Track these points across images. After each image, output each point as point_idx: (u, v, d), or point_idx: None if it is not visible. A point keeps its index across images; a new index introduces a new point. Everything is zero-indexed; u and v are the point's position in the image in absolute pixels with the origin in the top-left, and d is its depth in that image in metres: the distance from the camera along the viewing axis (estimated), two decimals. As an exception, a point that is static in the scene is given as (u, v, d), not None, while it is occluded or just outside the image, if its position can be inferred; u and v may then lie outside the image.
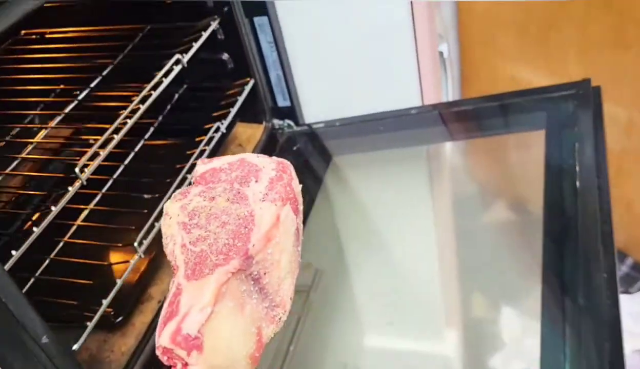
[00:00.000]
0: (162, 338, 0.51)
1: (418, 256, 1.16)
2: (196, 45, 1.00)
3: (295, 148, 1.20)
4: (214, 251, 0.52)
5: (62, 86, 1.18)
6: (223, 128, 1.08)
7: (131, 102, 0.90)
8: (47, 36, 1.21)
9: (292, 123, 1.25)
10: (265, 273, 0.55)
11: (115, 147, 0.85)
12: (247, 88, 1.15)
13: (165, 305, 0.53)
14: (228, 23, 1.10)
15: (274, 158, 0.61)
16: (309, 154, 1.20)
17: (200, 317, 0.50)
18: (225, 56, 1.15)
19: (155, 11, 1.14)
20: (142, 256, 0.84)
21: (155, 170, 1.06)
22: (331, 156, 1.21)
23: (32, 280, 0.85)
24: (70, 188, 0.76)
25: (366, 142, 1.18)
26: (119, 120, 0.87)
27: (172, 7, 1.12)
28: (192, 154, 1.03)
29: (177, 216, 0.55)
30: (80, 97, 1.00)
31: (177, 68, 0.96)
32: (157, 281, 0.95)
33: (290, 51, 1.18)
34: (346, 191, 1.24)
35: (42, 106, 1.15)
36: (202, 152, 1.05)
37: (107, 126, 0.86)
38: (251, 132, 1.22)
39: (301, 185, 0.60)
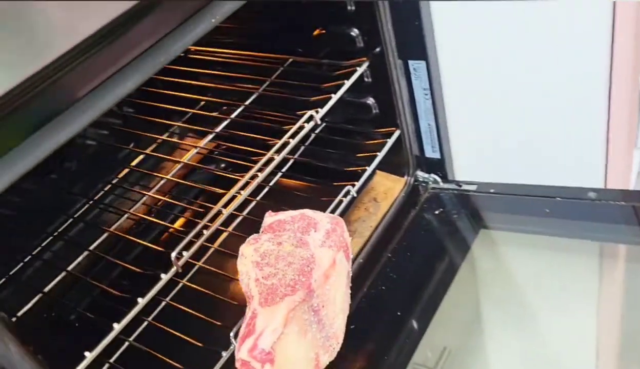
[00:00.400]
0: (241, 352, 0.63)
1: (570, 350, 0.95)
2: (333, 100, 0.88)
3: (438, 211, 1.03)
4: (283, 284, 0.64)
5: (202, 104, 1.13)
6: (355, 189, 0.94)
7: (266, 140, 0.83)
8: (190, 54, 1.16)
9: (438, 178, 1.08)
10: (323, 306, 0.68)
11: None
12: (391, 141, 1.01)
13: (243, 327, 0.65)
14: (378, 65, 0.95)
15: (329, 214, 0.77)
16: (454, 218, 1.03)
17: (273, 336, 0.62)
18: (370, 101, 1.01)
19: (301, 42, 1.03)
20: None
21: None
22: (480, 226, 1.02)
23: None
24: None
25: (525, 221, 0.97)
26: (259, 164, 0.82)
27: (319, 41, 1.00)
28: (328, 201, 0.92)
29: (251, 256, 0.67)
30: (231, 117, 0.98)
31: (308, 126, 0.84)
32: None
33: (448, 99, 1.00)
34: (494, 268, 1.05)
35: (180, 120, 1.12)
36: (337, 204, 0.93)
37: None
38: (390, 185, 1.07)
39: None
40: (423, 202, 1.06)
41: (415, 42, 0.94)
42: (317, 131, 1.09)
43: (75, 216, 1.01)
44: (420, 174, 1.08)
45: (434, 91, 0.99)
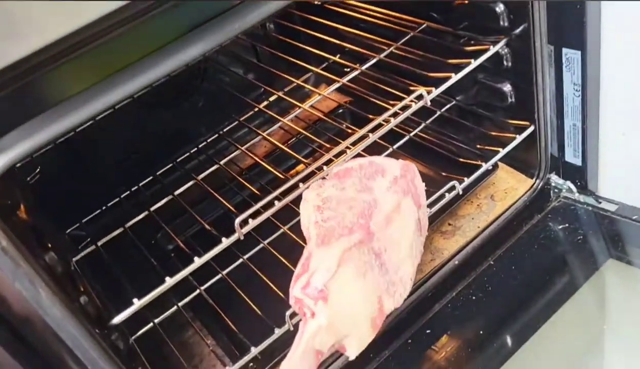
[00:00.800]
0: (295, 290, 0.61)
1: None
2: (452, 80, 0.77)
3: (564, 226, 0.89)
4: (341, 226, 0.64)
5: (337, 57, 1.08)
6: (462, 186, 0.84)
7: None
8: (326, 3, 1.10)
9: (573, 187, 0.93)
10: (385, 250, 0.66)
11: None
12: (521, 137, 0.87)
13: (298, 267, 0.62)
14: (521, 48, 0.81)
15: (401, 160, 0.74)
16: (581, 238, 0.88)
17: (326, 274, 0.60)
18: (507, 87, 0.87)
19: (440, 10, 0.91)
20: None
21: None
22: (610, 255, 0.86)
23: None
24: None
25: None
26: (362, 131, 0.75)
27: (459, 11, 0.88)
28: (429, 192, 0.84)
29: (313, 200, 0.66)
30: (357, 72, 0.93)
31: (415, 106, 0.75)
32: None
33: (605, 100, 0.84)
34: (618, 301, 0.89)
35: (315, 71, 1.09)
36: (438, 198, 0.84)
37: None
38: (514, 184, 0.95)
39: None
40: (549, 211, 0.92)
41: (572, 28, 0.78)
42: (444, 109, 0.99)
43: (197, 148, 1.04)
44: (554, 178, 0.94)
45: (586, 88, 0.83)
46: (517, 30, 0.80)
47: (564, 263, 0.88)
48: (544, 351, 0.83)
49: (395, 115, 0.75)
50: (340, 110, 1.13)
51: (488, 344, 0.81)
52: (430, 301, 0.85)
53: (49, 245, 0.62)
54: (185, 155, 1.04)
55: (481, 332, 0.81)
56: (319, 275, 0.60)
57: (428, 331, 0.83)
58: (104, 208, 0.96)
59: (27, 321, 0.51)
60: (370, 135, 0.74)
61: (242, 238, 0.66)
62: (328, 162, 0.73)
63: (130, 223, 0.85)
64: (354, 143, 0.74)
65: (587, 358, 0.83)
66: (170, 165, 1.03)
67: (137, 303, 0.62)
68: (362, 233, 0.64)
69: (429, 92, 0.75)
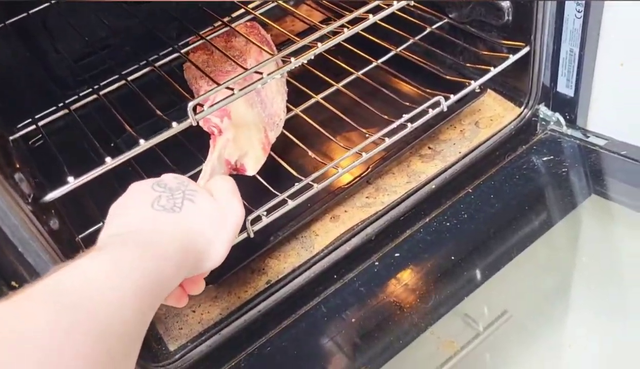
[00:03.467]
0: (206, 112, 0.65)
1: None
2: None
3: (548, 158, 0.85)
4: (223, 71, 0.79)
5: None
6: (447, 103, 0.79)
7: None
8: None
9: (562, 119, 0.88)
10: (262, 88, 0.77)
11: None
12: (514, 58, 0.82)
13: (199, 97, 0.65)
14: (526, -41, 0.75)
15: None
16: (565, 171, 0.84)
17: (227, 92, 0.64)
18: (505, 3, 0.81)
19: None
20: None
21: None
22: (594, 191, 0.83)
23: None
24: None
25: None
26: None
27: None
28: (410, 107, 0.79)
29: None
30: None
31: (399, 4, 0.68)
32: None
33: (607, 26, 0.78)
34: (595, 239, 0.86)
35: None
36: (420, 113, 0.78)
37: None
38: (500, 111, 0.90)
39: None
40: (534, 143, 0.88)
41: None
42: (434, 26, 0.92)
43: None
44: (543, 109, 0.89)
45: (589, 10, 0.77)
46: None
47: (544, 197, 0.84)
48: (511, 285, 0.80)
49: (376, 10, 0.67)
50: None
51: (457, 272, 0.78)
52: (401, 225, 0.81)
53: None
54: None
55: (452, 257, 0.77)
56: (220, 94, 0.65)
57: (397, 255, 0.79)
58: (60, 105, 0.88)
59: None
60: (346, 29, 0.66)
61: (194, 123, 0.60)
62: (322, 39, 0.66)
63: (76, 105, 0.77)
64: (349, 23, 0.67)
65: (553, 296, 0.80)
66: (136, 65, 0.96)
67: (73, 182, 0.57)
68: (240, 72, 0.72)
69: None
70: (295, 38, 0.67)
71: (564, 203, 0.82)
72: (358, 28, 0.67)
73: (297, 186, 0.71)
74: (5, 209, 0.47)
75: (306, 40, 0.65)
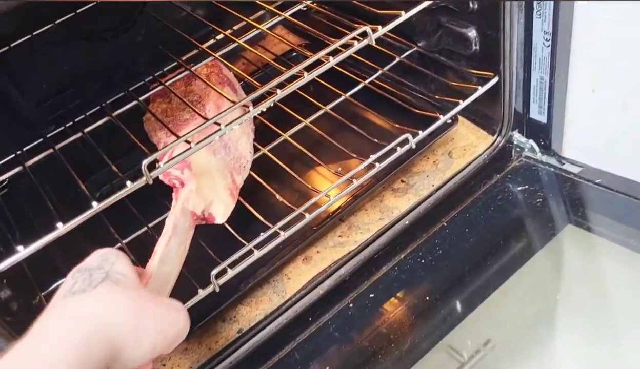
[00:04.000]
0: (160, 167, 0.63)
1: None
2: (399, 20, 0.68)
3: (523, 187, 0.83)
4: (181, 120, 0.76)
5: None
6: (415, 140, 0.77)
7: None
8: None
9: (536, 146, 0.86)
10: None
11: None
12: (483, 89, 0.80)
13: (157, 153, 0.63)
14: (489, -11, 0.73)
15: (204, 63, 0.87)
16: (540, 200, 0.83)
17: (185, 146, 0.62)
18: (472, 33, 0.79)
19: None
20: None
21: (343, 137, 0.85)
22: (569, 220, 0.81)
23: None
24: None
25: (631, 233, 0.75)
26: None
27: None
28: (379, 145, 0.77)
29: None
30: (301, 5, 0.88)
31: (359, 45, 0.66)
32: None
33: (576, 51, 0.77)
34: (574, 268, 0.84)
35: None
36: (389, 151, 0.76)
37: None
38: (474, 140, 0.88)
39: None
40: (509, 171, 0.86)
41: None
42: (403, 56, 0.91)
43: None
44: (517, 136, 0.87)
45: (557, 37, 0.75)
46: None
47: (521, 227, 0.82)
48: (493, 319, 0.78)
49: (335, 53, 0.66)
50: (294, 54, 1.04)
51: (434, 310, 0.76)
52: (375, 264, 0.79)
53: None
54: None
55: (427, 298, 0.75)
56: (178, 148, 0.63)
57: (372, 296, 0.77)
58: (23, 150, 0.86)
59: None
60: (306, 74, 0.64)
61: (150, 182, 0.57)
62: (280, 86, 0.64)
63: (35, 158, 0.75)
64: (307, 69, 0.65)
65: (537, 327, 0.79)
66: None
67: (22, 252, 0.54)
68: (200, 120, 0.71)
69: (374, 30, 0.66)
70: (255, 82, 0.65)
71: (542, 234, 0.80)
72: (315, 74, 0.65)
73: (263, 235, 0.69)
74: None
75: (265, 88, 0.63)
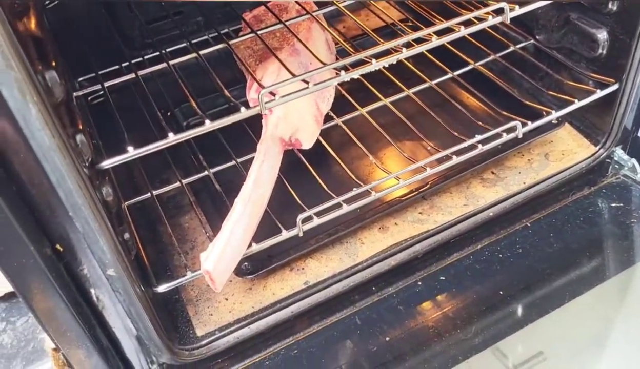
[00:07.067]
0: (251, 93, 0.75)
1: None
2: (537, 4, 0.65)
3: (617, 204, 0.80)
4: (271, 48, 0.72)
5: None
6: (523, 129, 0.74)
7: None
8: None
9: (638, 167, 0.83)
10: (310, 63, 0.77)
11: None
12: (601, 94, 0.77)
13: (248, 81, 0.76)
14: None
15: None
16: (632, 222, 0.79)
17: (272, 76, 0.72)
18: (602, 35, 0.76)
19: None
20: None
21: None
22: (659, 248, 0.77)
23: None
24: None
25: None
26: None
27: None
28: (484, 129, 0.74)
29: (242, 44, 0.82)
30: None
31: (493, 20, 0.64)
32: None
33: None
34: None
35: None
36: (493, 136, 0.74)
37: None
38: (574, 146, 0.84)
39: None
40: (603, 186, 0.83)
41: None
42: (519, 46, 0.88)
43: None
44: (619, 153, 0.84)
45: (693, 56, 0.71)
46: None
47: (609, 244, 0.79)
48: (551, 331, 0.76)
49: (468, 23, 0.63)
50: (389, 31, 1.01)
51: (502, 307, 0.74)
52: (451, 248, 0.78)
53: (54, 64, 0.53)
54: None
55: (500, 292, 0.73)
56: (267, 78, 0.68)
57: (442, 278, 0.76)
58: (124, 65, 0.86)
59: (6, 140, 0.43)
60: (434, 37, 0.62)
61: (264, 112, 0.57)
62: (408, 45, 0.62)
63: (142, 70, 0.74)
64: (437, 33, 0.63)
65: (589, 347, 0.76)
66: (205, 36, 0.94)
67: (132, 152, 0.54)
68: (289, 50, 0.75)
69: (511, 9, 0.64)
70: (379, 39, 0.64)
71: (627, 256, 0.77)
72: (445, 39, 0.63)
73: (355, 191, 0.68)
74: (64, 172, 0.45)
75: (391, 43, 0.61)
